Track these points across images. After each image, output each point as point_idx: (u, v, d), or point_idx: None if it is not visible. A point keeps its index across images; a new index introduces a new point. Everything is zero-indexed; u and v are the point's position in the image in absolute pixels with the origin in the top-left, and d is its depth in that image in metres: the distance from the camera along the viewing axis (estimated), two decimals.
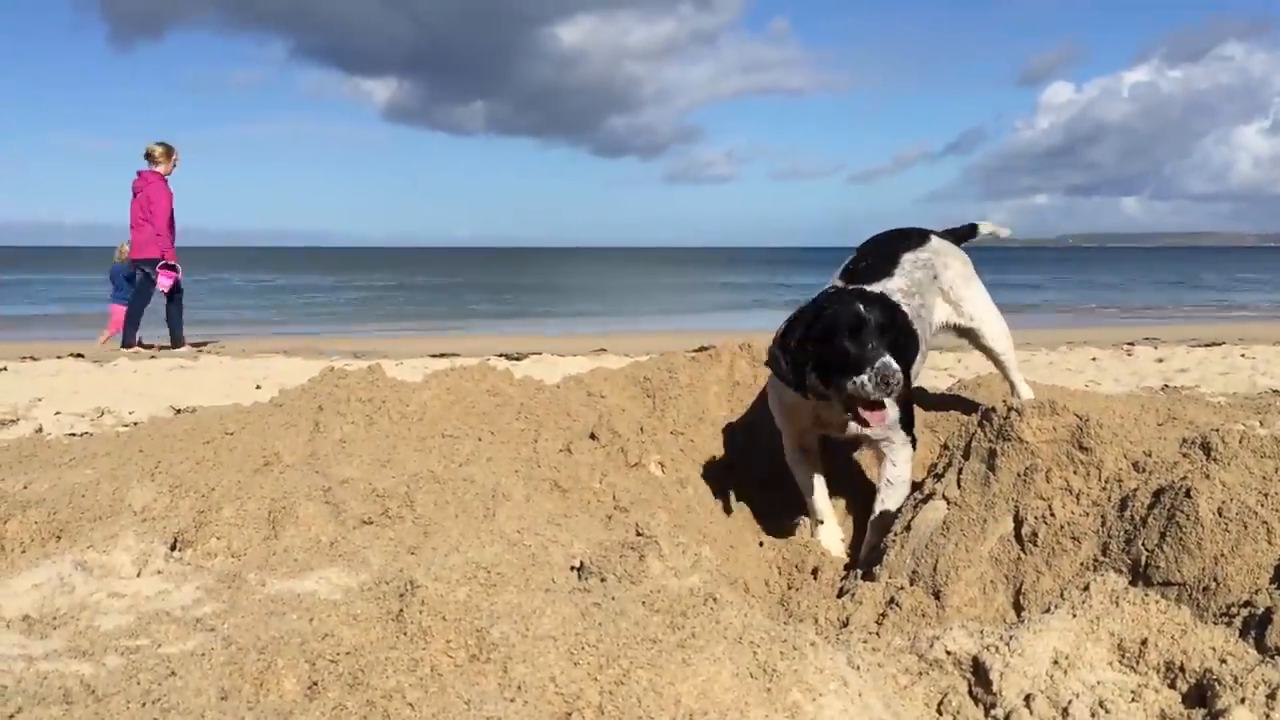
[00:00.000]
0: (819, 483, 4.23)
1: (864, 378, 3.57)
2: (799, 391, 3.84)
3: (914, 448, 4.11)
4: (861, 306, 3.67)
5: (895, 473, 4.01)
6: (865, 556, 3.87)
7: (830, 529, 4.21)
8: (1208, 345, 13.97)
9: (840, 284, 4.27)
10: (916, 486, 3.82)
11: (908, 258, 4.46)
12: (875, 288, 4.09)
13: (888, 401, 3.72)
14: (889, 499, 3.97)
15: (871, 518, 4.03)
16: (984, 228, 5.19)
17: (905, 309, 4.05)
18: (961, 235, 5.04)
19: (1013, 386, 4.87)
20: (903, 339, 3.79)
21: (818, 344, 3.72)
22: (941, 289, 4.58)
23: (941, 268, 4.58)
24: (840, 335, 3.64)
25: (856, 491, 4.48)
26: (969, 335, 4.73)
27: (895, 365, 3.56)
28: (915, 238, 4.62)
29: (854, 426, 3.80)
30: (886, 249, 4.53)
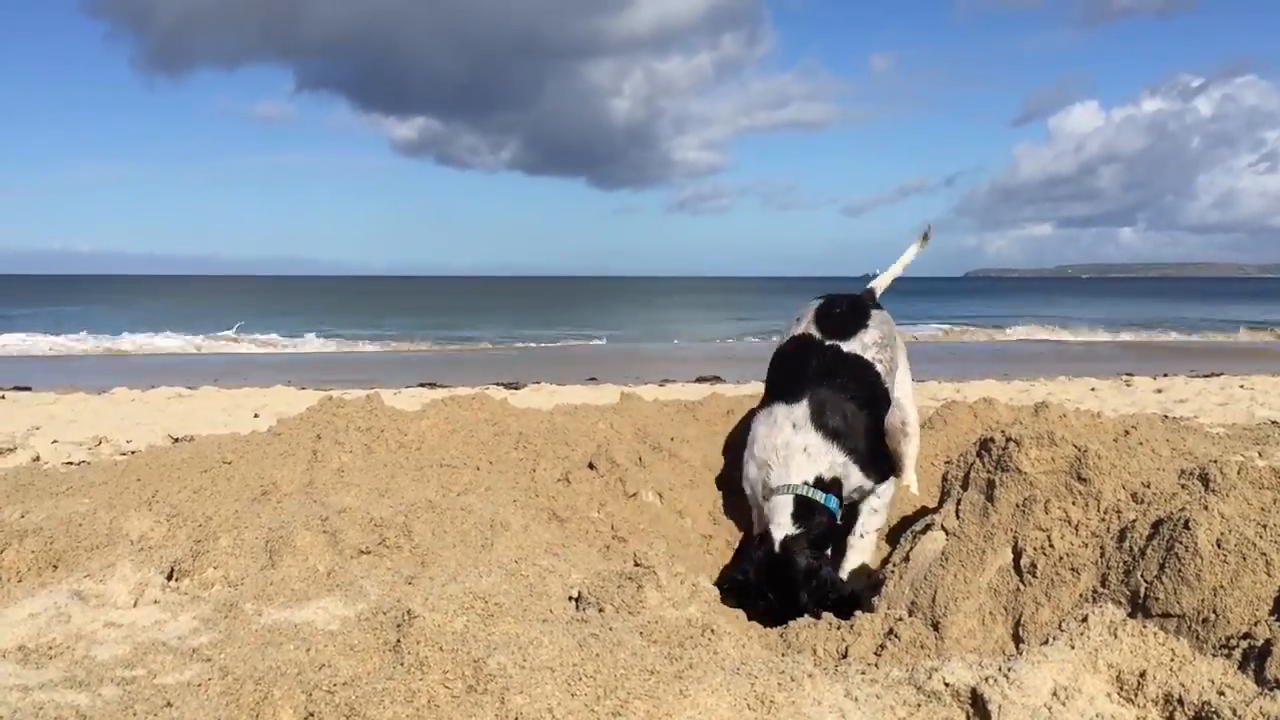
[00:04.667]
0: None
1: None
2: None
3: (896, 482, 4.39)
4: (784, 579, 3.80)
5: (878, 501, 4.25)
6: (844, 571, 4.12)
7: None
8: (1206, 376, 14.00)
9: (815, 334, 4.46)
10: (913, 519, 3.85)
11: (876, 315, 4.65)
12: (848, 346, 4.37)
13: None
14: (869, 523, 4.24)
15: (850, 537, 4.23)
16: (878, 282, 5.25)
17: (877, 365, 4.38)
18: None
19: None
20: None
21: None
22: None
23: (897, 342, 4.75)
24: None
25: None
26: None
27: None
28: (875, 305, 4.80)
29: None
30: (857, 306, 4.70)
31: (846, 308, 4.64)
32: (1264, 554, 2.51)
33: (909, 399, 4.74)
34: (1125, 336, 31.40)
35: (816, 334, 4.46)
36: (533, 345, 29.19)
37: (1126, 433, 3.88)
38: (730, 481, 4.74)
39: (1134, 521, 2.91)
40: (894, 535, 4.13)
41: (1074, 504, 3.13)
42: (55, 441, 7.63)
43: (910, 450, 4.69)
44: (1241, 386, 11.89)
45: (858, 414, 4.17)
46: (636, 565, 2.59)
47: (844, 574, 4.10)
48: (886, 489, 4.26)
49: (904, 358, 4.82)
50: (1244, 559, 2.53)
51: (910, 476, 4.73)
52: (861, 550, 4.20)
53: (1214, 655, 2.29)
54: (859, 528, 4.23)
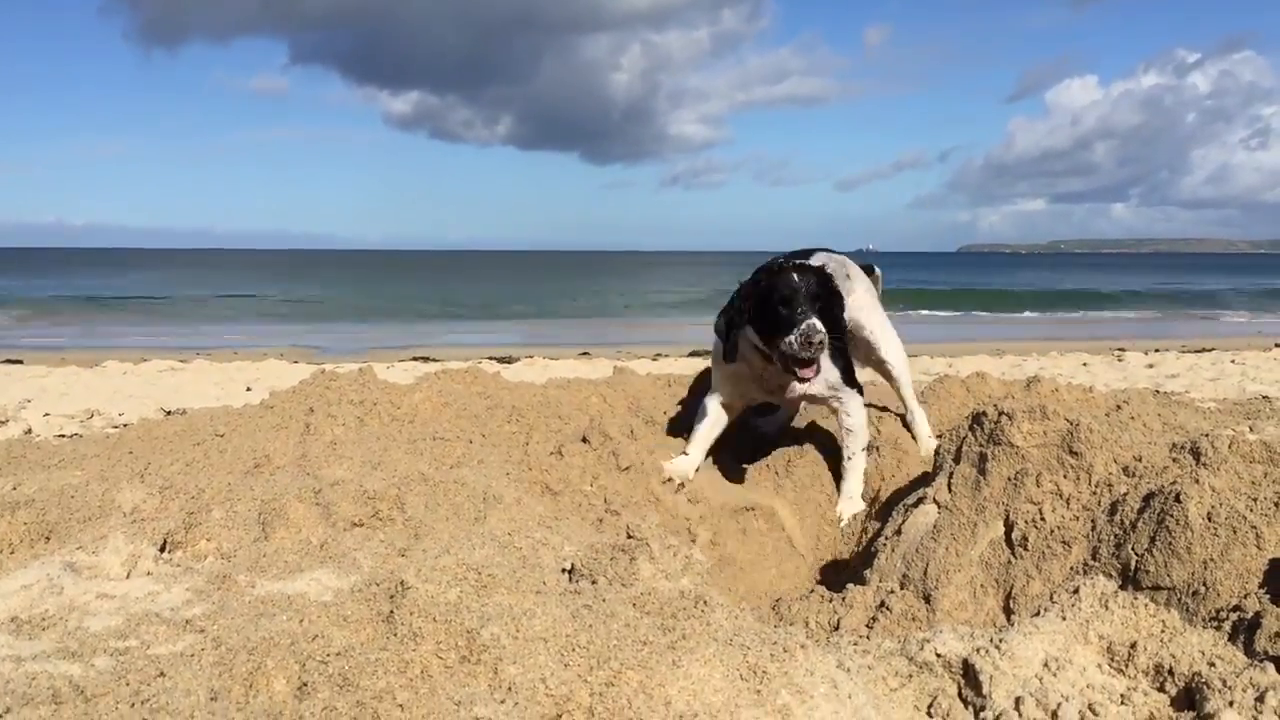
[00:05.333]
0: (714, 426, 4.55)
1: (791, 338, 3.97)
2: (728, 359, 4.26)
3: (861, 395, 4.51)
4: (795, 276, 4.07)
5: (851, 421, 4.43)
6: (842, 501, 4.38)
7: (690, 460, 4.46)
8: (1198, 351, 14.04)
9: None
10: (905, 493, 3.86)
11: (820, 255, 4.77)
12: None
13: (825, 362, 4.16)
14: (852, 444, 4.43)
15: (843, 463, 4.45)
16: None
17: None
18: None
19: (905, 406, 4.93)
20: (837, 305, 4.22)
21: (756, 311, 4.13)
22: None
23: (849, 278, 4.80)
24: (774, 302, 4.05)
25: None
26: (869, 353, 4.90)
27: (819, 326, 3.95)
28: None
29: (796, 386, 4.25)
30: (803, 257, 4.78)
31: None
32: (1254, 527, 2.52)
33: (884, 335, 4.84)
34: (1116, 310, 31.49)
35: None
36: (526, 319, 29.16)
37: (1118, 407, 3.89)
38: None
39: (1125, 495, 2.92)
40: (886, 508, 4.14)
41: (1065, 477, 3.14)
42: (47, 414, 7.61)
43: (906, 390, 4.85)
44: (1233, 361, 11.93)
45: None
46: (629, 538, 2.60)
47: (846, 500, 4.35)
48: (855, 405, 4.41)
49: (864, 288, 4.87)
50: (1234, 532, 2.54)
51: (922, 428, 4.80)
52: (855, 471, 4.40)
53: (1204, 627, 2.30)
54: (845, 452, 4.42)
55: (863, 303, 4.79)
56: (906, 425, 4.81)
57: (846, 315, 4.57)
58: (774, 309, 4.02)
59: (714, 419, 4.51)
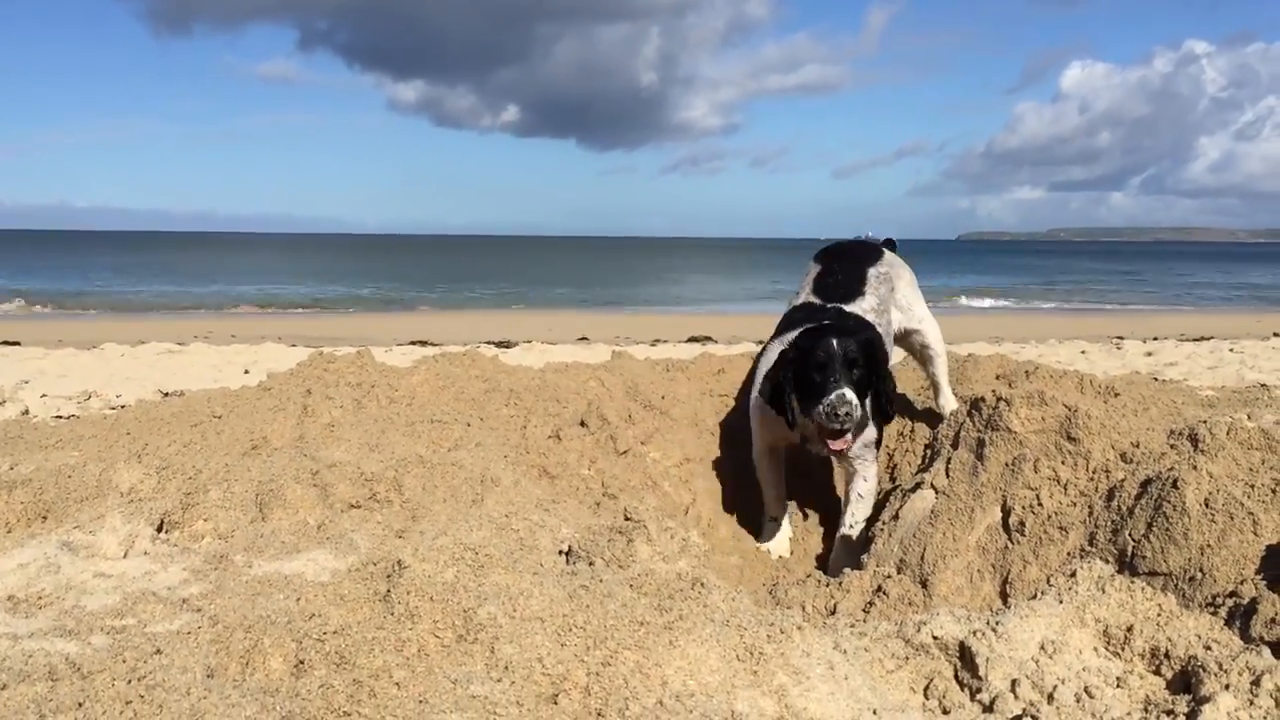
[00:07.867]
0: (779, 477, 4.37)
1: (821, 407, 3.78)
2: (791, 426, 3.99)
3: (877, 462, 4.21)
4: (834, 341, 3.85)
5: (864, 488, 4.11)
6: (832, 569, 3.95)
7: (783, 530, 4.35)
8: (1196, 339, 14.04)
9: (816, 300, 4.49)
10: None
11: (872, 273, 4.64)
12: (850, 308, 4.35)
13: (869, 428, 4.00)
14: (858, 512, 4.08)
15: (840, 532, 4.14)
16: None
17: (877, 327, 4.27)
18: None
19: (937, 391, 4.87)
20: (876, 368, 3.94)
21: (797, 380, 3.91)
22: (895, 300, 4.71)
23: (897, 279, 4.75)
24: (810, 369, 3.84)
25: (828, 503, 4.56)
26: (911, 337, 4.83)
27: (849, 396, 3.74)
28: (875, 253, 4.81)
29: (830, 443, 3.89)
30: (854, 266, 4.69)
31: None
32: (1251, 513, 2.53)
33: (927, 320, 4.80)
34: (1114, 299, 31.47)
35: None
36: (525, 304, 29.15)
37: (1116, 394, 3.89)
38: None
39: (1123, 481, 2.92)
40: (884, 496, 4.14)
41: (1063, 463, 3.14)
42: (44, 395, 7.61)
43: (940, 371, 4.81)
44: (1231, 350, 11.93)
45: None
46: (627, 520, 2.60)
47: (836, 568, 3.92)
48: (871, 473, 4.13)
49: (906, 282, 4.83)
50: (1231, 518, 2.54)
51: (947, 395, 4.77)
52: (849, 542, 4.06)
53: (1201, 612, 2.31)
54: (847, 519, 4.11)
55: (908, 290, 4.79)
56: (936, 409, 4.79)
57: (895, 301, 4.63)
58: (809, 376, 3.85)
59: (775, 472, 4.37)
